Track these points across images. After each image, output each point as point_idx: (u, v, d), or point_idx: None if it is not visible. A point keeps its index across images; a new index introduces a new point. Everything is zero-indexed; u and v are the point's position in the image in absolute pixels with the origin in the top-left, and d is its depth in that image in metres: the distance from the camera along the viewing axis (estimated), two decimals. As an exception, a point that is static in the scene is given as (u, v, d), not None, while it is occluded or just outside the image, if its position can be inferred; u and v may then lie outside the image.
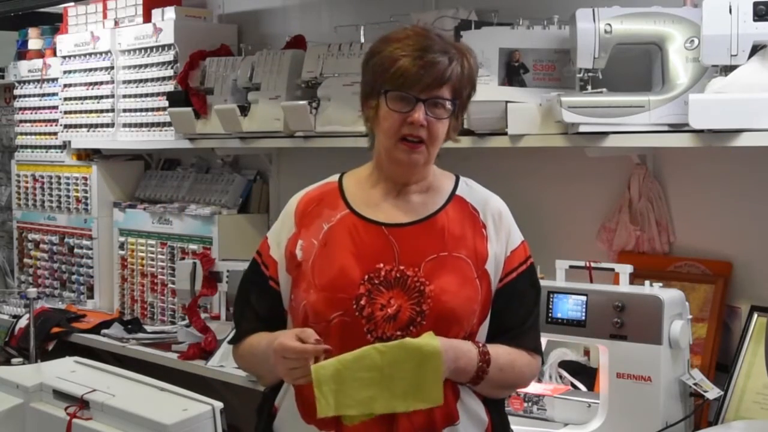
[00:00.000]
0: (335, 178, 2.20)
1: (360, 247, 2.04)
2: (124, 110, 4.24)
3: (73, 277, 4.59)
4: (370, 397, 1.90)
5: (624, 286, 2.66)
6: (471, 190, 2.17)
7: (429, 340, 1.92)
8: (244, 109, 3.61)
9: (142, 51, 4.14)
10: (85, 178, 4.54)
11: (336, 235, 2.06)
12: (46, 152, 4.74)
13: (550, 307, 2.63)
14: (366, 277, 2.01)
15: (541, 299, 2.19)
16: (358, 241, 2.05)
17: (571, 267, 2.75)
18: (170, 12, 4.05)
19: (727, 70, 2.44)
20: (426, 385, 1.90)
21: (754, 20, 2.39)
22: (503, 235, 2.11)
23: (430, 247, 2.04)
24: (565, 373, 2.95)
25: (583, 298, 2.58)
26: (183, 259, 3.94)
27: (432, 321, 1.98)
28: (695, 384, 2.53)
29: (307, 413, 2.00)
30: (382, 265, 2.02)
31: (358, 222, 2.07)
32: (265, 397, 2.15)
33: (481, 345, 2.02)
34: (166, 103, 3.94)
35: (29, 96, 4.82)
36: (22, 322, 4.16)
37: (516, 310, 2.09)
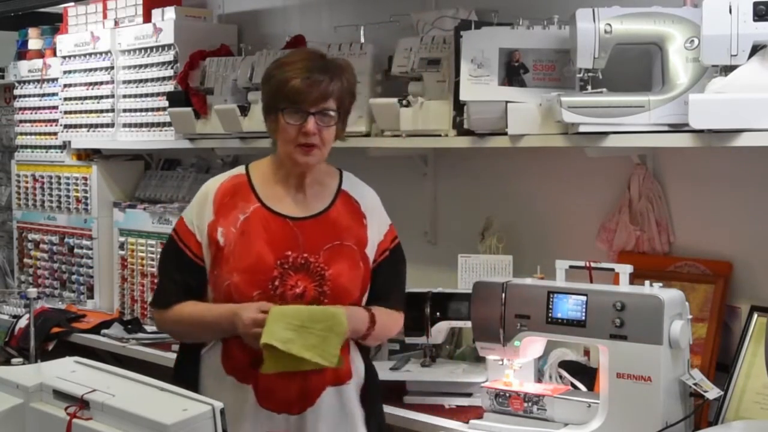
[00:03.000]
0: (242, 170, 2.63)
1: (272, 236, 2.50)
2: (124, 110, 4.24)
3: (73, 277, 4.59)
4: (289, 338, 2.36)
5: (624, 286, 2.66)
6: (352, 184, 2.66)
7: (341, 314, 2.41)
8: (244, 109, 3.61)
9: (142, 51, 4.14)
10: (85, 178, 4.54)
11: (251, 226, 2.51)
12: (46, 152, 4.74)
13: (550, 307, 2.63)
14: (278, 262, 2.48)
15: (406, 268, 2.71)
16: (270, 231, 2.51)
17: (571, 267, 2.74)
18: (170, 12, 4.06)
19: (727, 70, 2.44)
20: (329, 346, 2.38)
21: (754, 20, 2.38)
22: (376, 222, 2.63)
23: (327, 237, 2.53)
24: (565, 373, 2.95)
25: (583, 298, 2.58)
26: (183, 259, 3.94)
27: (331, 299, 2.49)
28: (695, 384, 2.53)
29: (230, 366, 2.51)
30: (290, 252, 2.49)
31: (268, 215, 2.53)
32: (185, 352, 2.65)
33: (370, 311, 2.55)
34: (166, 103, 3.94)
35: (29, 96, 4.82)
36: (22, 322, 4.16)
37: (388, 280, 2.64)
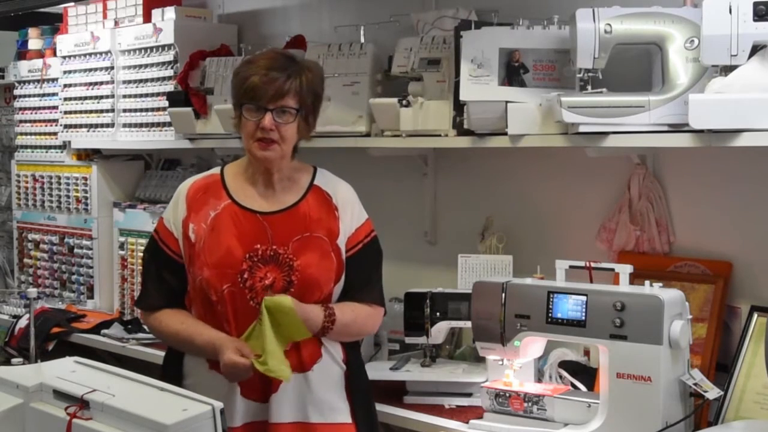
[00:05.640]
0: (218, 170, 2.73)
1: (241, 231, 2.58)
2: (124, 110, 4.24)
3: (73, 277, 4.59)
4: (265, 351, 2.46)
5: (624, 286, 2.65)
6: (325, 179, 2.72)
7: (283, 298, 2.50)
8: (244, 109, 3.60)
9: (142, 51, 4.14)
10: (85, 178, 4.54)
11: (221, 222, 2.60)
12: (46, 152, 4.74)
13: (550, 307, 2.63)
14: (247, 255, 2.56)
15: (382, 263, 2.76)
16: (239, 226, 2.59)
17: (571, 267, 2.74)
18: (170, 12, 4.05)
19: (727, 70, 2.44)
20: (293, 327, 2.49)
21: (754, 20, 2.38)
22: (349, 214, 2.68)
23: (296, 229, 2.60)
24: (565, 373, 2.95)
25: (583, 298, 2.58)
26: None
27: (299, 288, 2.56)
28: (695, 384, 2.53)
29: (215, 365, 2.54)
30: (259, 245, 2.57)
31: (238, 210, 2.61)
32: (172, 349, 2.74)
33: (329, 308, 2.60)
34: (166, 103, 3.94)
35: (29, 96, 4.82)
36: (22, 322, 4.16)
37: (361, 273, 2.68)
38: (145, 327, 2.90)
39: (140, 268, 4.24)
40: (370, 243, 2.71)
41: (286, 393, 2.57)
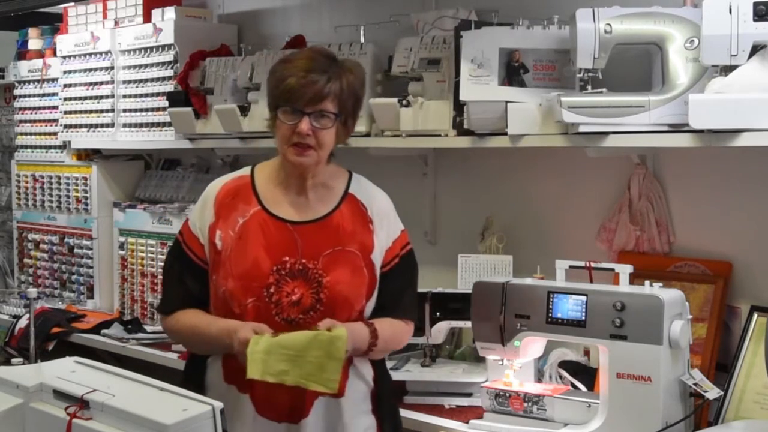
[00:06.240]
0: (248, 171, 2.56)
1: (270, 241, 2.43)
2: (124, 110, 4.24)
3: (73, 277, 4.59)
4: (284, 370, 2.29)
5: (624, 286, 2.66)
6: (361, 187, 2.56)
7: (340, 338, 2.30)
8: (244, 109, 3.61)
9: (142, 51, 4.14)
10: (85, 178, 4.54)
11: (250, 230, 2.44)
12: (46, 152, 4.74)
13: (550, 307, 2.63)
14: (275, 268, 2.41)
15: (418, 277, 2.62)
16: (268, 235, 2.44)
17: (571, 267, 2.74)
18: (170, 12, 4.06)
19: (727, 70, 2.44)
20: (327, 373, 2.30)
21: (754, 20, 2.39)
22: (385, 227, 2.53)
23: (327, 242, 2.45)
24: (565, 373, 2.95)
25: (583, 298, 2.58)
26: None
27: (328, 306, 2.41)
28: (695, 384, 2.53)
29: (230, 377, 2.44)
30: (287, 258, 2.42)
31: (268, 218, 2.46)
32: (194, 357, 2.60)
33: (371, 326, 2.45)
34: (166, 103, 3.94)
35: (29, 96, 4.82)
36: (22, 322, 4.16)
37: (396, 288, 2.53)
38: (165, 332, 2.73)
39: (140, 268, 4.25)
40: (406, 255, 2.56)
41: (317, 417, 2.44)
